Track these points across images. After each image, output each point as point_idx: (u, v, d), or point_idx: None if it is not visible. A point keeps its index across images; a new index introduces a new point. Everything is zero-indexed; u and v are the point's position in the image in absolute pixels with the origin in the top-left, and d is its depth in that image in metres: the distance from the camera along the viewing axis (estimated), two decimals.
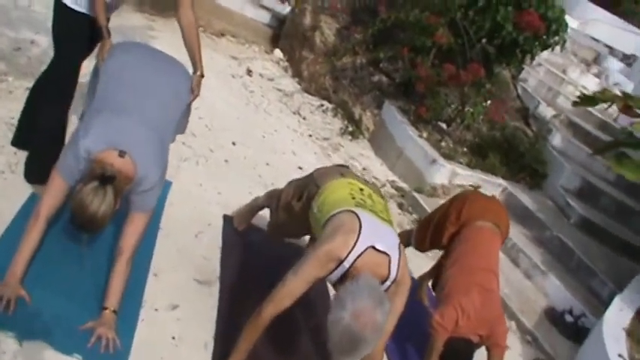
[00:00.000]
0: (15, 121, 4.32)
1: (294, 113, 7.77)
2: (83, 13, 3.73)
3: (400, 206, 6.53)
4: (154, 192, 3.26)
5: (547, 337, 5.39)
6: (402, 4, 8.50)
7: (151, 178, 3.20)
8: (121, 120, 3.24)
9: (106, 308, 3.13)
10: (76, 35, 3.80)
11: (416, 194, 6.76)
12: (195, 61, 3.88)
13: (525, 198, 7.18)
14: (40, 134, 3.94)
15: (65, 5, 3.71)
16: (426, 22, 7.60)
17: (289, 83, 8.80)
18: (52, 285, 3.24)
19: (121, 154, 3.09)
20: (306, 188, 3.70)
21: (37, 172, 3.88)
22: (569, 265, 6.27)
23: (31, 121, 4.07)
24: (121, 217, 3.30)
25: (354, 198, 3.34)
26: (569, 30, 10.52)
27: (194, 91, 3.81)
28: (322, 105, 8.43)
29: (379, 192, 3.71)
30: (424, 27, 7.68)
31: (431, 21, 7.56)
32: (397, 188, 6.97)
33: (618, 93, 5.96)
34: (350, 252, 3.02)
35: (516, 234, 6.54)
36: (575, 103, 6.65)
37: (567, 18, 10.47)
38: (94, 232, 3.16)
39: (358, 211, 3.18)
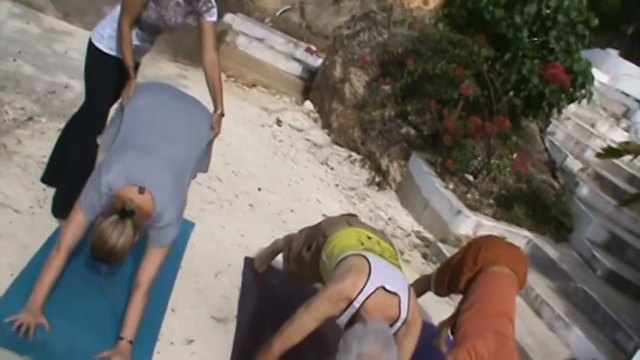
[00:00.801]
0: (46, 160, 4.53)
1: (321, 163, 7.89)
2: (115, 57, 3.97)
3: (424, 256, 6.56)
4: (172, 228, 3.36)
5: None
6: (430, 56, 8.65)
7: (169, 215, 3.30)
8: (142, 158, 3.36)
9: (122, 338, 3.22)
10: (106, 78, 4.04)
11: (440, 244, 6.78)
12: (216, 100, 4.02)
13: (550, 250, 7.16)
14: (68, 171, 4.13)
15: (98, 49, 3.97)
16: (452, 75, 7.70)
17: (319, 134, 8.94)
18: (71, 314, 3.36)
19: (141, 190, 3.20)
20: (315, 238, 3.78)
21: (63, 208, 4.00)
22: (594, 317, 6.21)
23: (61, 160, 4.28)
24: (140, 251, 3.40)
25: (362, 244, 3.41)
26: (597, 84, 10.60)
27: (214, 129, 3.92)
28: (350, 156, 8.55)
29: (388, 239, 3.78)
30: (451, 79, 7.78)
31: (457, 73, 7.65)
32: (422, 238, 7.01)
33: None
34: (360, 292, 3.08)
35: (540, 285, 6.53)
36: (599, 155, 6.68)
37: (597, 72, 10.52)
38: (113, 263, 3.26)
39: (367, 254, 3.26)
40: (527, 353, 5.52)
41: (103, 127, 4.09)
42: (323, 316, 3.16)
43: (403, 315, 3.14)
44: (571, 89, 7.81)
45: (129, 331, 3.24)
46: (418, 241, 6.89)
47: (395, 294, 3.13)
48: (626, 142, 6.64)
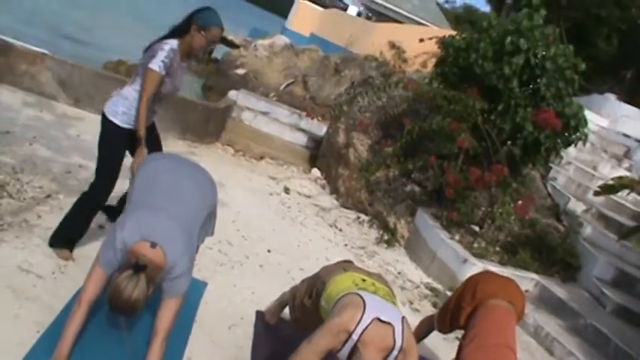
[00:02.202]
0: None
1: (330, 226, 8.11)
2: (126, 129, 4.61)
3: (434, 305, 6.72)
4: (184, 279, 3.61)
5: None
6: (427, 114, 8.95)
7: (180, 266, 3.55)
8: (153, 216, 3.65)
9: None
10: (118, 145, 4.67)
11: (449, 293, 6.94)
12: None
13: (559, 290, 7.32)
14: (75, 209, 4.74)
15: (112, 122, 4.60)
16: (448, 129, 7.96)
17: (327, 199, 9.19)
18: None
19: (153, 245, 3.47)
20: (315, 286, 4.04)
21: (60, 239, 4.69)
22: (606, 351, 6.34)
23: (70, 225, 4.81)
24: (157, 303, 3.63)
25: (357, 285, 3.64)
26: (597, 128, 10.81)
27: None
28: (359, 217, 8.78)
29: (384, 280, 4.00)
30: (448, 134, 8.04)
31: (453, 127, 7.90)
32: (431, 289, 7.18)
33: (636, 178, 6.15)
34: (357, 324, 3.31)
35: (550, 324, 6.68)
36: (596, 193, 6.90)
37: (596, 117, 10.74)
38: (129, 315, 3.49)
39: (361, 292, 3.51)
40: None
41: (110, 191, 4.73)
42: (325, 349, 3.37)
43: (398, 343, 3.34)
44: (565, 133, 8.02)
45: None
46: (427, 292, 7.06)
47: (389, 324, 3.34)
48: (619, 177, 6.84)
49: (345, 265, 4.12)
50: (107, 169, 4.67)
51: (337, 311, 3.44)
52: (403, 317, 3.46)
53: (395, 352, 3.35)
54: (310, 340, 3.39)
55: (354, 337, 3.31)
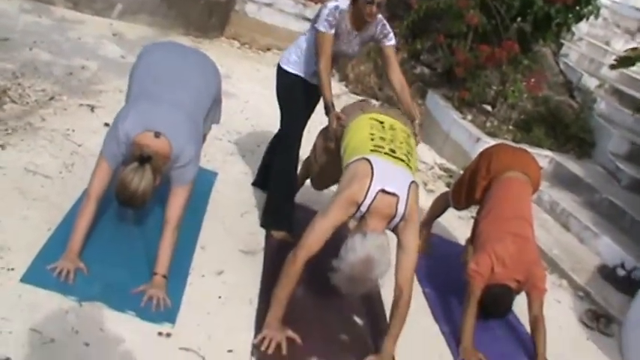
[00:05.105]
0: (70, 132, 4.90)
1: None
2: (300, 77, 4.52)
3: (448, 185, 6.65)
4: (192, 166, 3.54)
5: (600, 292, 5.45)
6: None
7: (186, 154, 3.47)
8: (155, 105, 3.54)
9: (156, 273, 3.44)
10: (296, 96, 4.57)
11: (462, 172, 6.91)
12: (411, 112, 4.34)
13: (574, 166, 7.28)
14: (274, 187, 4.66)
15: (285, 70, 4.55)
16: (457, 6, 7.77)
17: (336, 86, 8.97)
18: (106, 257, 3.60)
19: (157, 135, 3.39)
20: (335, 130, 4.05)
21: (272, 219, 4.61)
22: (622, 224, 6.32)
23: (267, 169, 4.92)
24: (166, 195, 3.59)
25: (372, 140, 3.62)
26: (609, 2, 10.53)
27: (416, 136, 4.15)
28: None
29: (402, 118, 4.04)
30: (456, 12, 7.85)
31: (462, 4, 7.72)
32: (445, 169, 7.16)
33: None
34: (365, 197, 3.35)
35: (566, 200, 6.66)
36: (612, 67, 6.75)
37: None
38: (138, 207, 3.45)
39: (372, 157, 3.47)
40: (557, 263, 5.68)
41: (300, 143, 4.62)
42: (338, 222, 3.41)
43: (400, 212, 3.39)
44: (577, 7, 7.81)
45: (162, 266, 3.46)
46: (441, 173, 7.04)
47: (394, 194, 3.37)
48: (634, 49, 6.67)
49: (363, 105, 4.12)
50: (289, 116, 4.61)
51: (347, 181, 3.46)
52: (411, 183, 3.47)
53: (397, 219, 3.42)
54: (324, 213, 3.42)
55: (363, 209, 3.38)
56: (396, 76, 4.40)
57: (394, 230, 3.49)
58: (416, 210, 3.48)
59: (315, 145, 4.50)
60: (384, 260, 3.30)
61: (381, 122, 3.80)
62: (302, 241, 3.41)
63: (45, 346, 2.87)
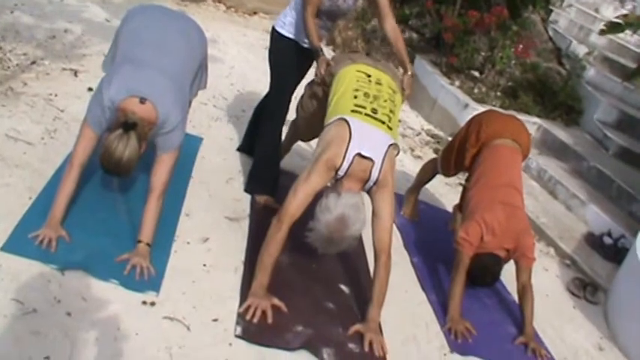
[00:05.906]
0: (53, 97, 4.80)
1: None
2: (295, 41, 4.40)
3: (435, 151, 6.65)
4: (178, 132, 3.47)
5: (586, 260, 5.44)
6: None
7: (172, 120, 3.40)
8: (140, 70, 3.45)
9: (140, 241, 3.39)
10: (289, 59, 4.48)
11: (450, 139, 6.86)
12: (403, 62, 4.30)
13: (561, 133, 7.25)
14: (259, 151, 4.64)
15: (280, 33, 4.42)
16: None
17: (323, 50, 8.94)
18: (89, 225, 3.53)
19: (142, 100, 3.31)
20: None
21: (256, 183, 4.59)
22: (609, 192, 6.32)
23: (254, 133, 4.85)
24: (151, 163, 3.53)
25: (355, 97, 3.59)
26: None
27: (405, 90, 4.16)
28: None
29: (390, 70, 4.02)
30: None
31: None
32: (433, 135, 7.12)
33: None
34: (343, 161, 3.35)
35: (553, 167, 6.64)
36: (602, 32, 6.67)
37: None
38: (123, 175, 3.37)
39: (351, 119, 3.45)
40: (543, 231, 5.66)
41: (287, 108, 4.57)
42: (319, 186, 3.42)
43: (374, 177, 3.41)
44: None
45: (146, 234, 3.41)
46: (429, 139, 7.00)
47: (370, 159, 3.37)
48: (625, 15, 6.61)
49: (352, 56, 4.08)
50: (278, 80, 4.54)
51: (326, 143, 3.45)
52: (389, 147, 3.46)
53: (370, 184, 3.45)
54: (305, 178, 3.41)
55: (341, 172, 3.39)
56: (390, 26, 4.30)
57: (369, 194, 3.52)
58: (391, 175, 3.48)
59: (302, 96, 4.45)
60: (360, 218, 3.34)
61: (369, 75, 3.76)
62: (284, 206, 3.41)
63: (27, 316, 2.81)
